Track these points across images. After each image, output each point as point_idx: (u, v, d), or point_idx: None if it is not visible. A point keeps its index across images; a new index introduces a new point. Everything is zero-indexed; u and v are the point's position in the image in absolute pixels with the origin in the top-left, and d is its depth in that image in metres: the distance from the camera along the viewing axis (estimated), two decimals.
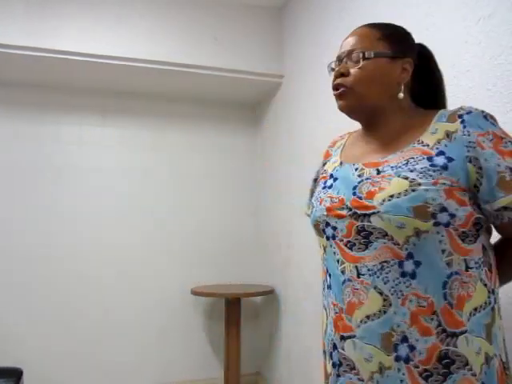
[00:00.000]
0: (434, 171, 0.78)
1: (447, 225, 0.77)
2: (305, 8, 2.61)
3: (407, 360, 0.76)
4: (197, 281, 3.04)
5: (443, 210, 0.76)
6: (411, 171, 0.79)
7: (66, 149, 2.96)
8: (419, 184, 0.77)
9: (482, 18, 1.27)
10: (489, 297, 0.78)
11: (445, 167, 0.78)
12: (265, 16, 2.92)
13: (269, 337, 3.01)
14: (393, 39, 0.91)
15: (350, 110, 0.93)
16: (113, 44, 2.57)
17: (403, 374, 0.76)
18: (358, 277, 0.82)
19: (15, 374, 2.30)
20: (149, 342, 2.96)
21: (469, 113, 0.83)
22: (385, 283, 0.79)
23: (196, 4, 2.77)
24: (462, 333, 0.75)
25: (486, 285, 0.78)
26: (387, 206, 0.79)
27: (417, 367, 0.75)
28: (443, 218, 0.76)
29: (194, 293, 2.77)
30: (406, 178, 0.79)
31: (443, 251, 0.78)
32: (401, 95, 0.89)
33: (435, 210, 0.76)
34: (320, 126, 2.34)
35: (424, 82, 0.95)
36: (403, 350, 0.77)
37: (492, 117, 0.83)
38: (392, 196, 0.79)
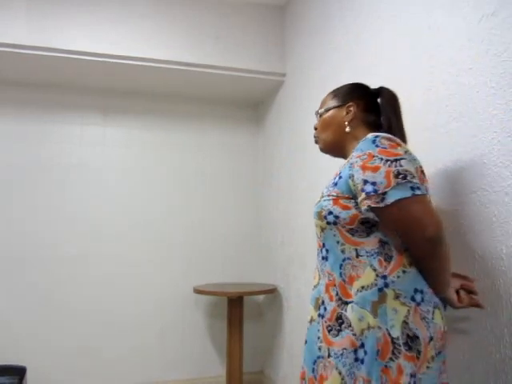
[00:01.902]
0: (331, 186, 1.12)
1: (335, 223, 1.09)
2: (306, 6, 2.60)
3: (323, 317, 1.09)
4: (199, 279, 3.05)
5: (330, 213, 1.09)
6: (326, 187, 1.16)
7: (67, 148, 2.97)
8: (322, 196, 1.14)
9: (485, 16, 1.27)
10: (375, 280, 1.01)
11: (336, 183, 1.11)
12: (267, 14, 2.91)
13: (272, 335, 3.01)
14: (340, 94, 1.30)
15: (322, 151, 1.34)
16: (115, 43, 2.57)
17: (320, 326, 1.09)
18: None
19: (19, 372, 2.32)
20: (151, 341, 2.97)
21: (364, 140, 1.09)
22: (320, 264, 1.16)
23: (198, 3, 2.77)
24: (350, 302, 1.03)
25: (375, 270, 1.02)
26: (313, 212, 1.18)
27: (326, 322, 1.07)
28: (330, 218, 1.09)
29: (197, 291, 2.78)
30: (322, 192, 1.17)
31: (338, 242, 1.09)
32: (347, 129, 1.23)
33: (326, 213, 1.10)
34: None
35: (387, 113, 1.23)
36: (322, 309, 1.10)
37: (384, 139, 1.05)
38: (316, 205, 1.17)
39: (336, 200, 1.08)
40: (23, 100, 2.93)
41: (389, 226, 1.04)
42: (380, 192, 0.99)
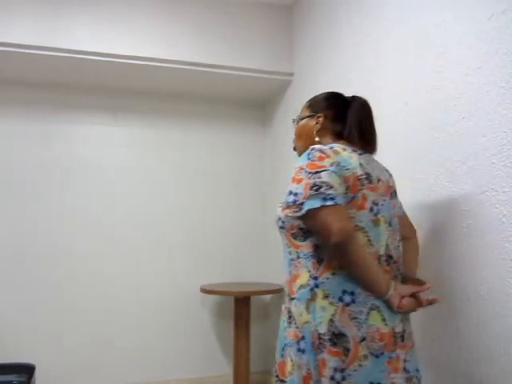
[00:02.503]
0: (284, 195, 1.20)
1: (283, 228, 1.21)
2: (314, 6, 2.60)
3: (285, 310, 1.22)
4: (206, 279, 3.05)
5: (279, 219, 1.21)
6: None
7: (76, 148, 2.98)
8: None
9: (495, 14, 1.26)
10: (308, 280, 1.13)
11: (286, 193, 1.19)
12: (274, 14, 2.91)
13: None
14: (312, 105, 1.37)
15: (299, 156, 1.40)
16: (120, 43, 2.57)
17: (284, 317, 1.22)
18: None
19: (28, 370, 2.33)
20: (158, 340, 2.98)
21: (305, 152, 1.18)
22: None
23: (204, 2, 2.77)
24: (294, 299, 1.16)
25: (309, 271, 1.14)
26: None
27: (285, 315, 1.21)
28: (280, 224, 1.21)
29: (204, 291, 2.78)
30: None
31: (287, 245, 1.22)
32: (316, 139, 1.30)
33: (277, 219, 1.22)
34: None
35: (357, 122, 1.28)
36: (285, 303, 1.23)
37: (317, 152, 1.14)
38: None
39: (283, 209, 1.20)
40: (28, 100, 2.93)
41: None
42: (298, 202, 1.10)
